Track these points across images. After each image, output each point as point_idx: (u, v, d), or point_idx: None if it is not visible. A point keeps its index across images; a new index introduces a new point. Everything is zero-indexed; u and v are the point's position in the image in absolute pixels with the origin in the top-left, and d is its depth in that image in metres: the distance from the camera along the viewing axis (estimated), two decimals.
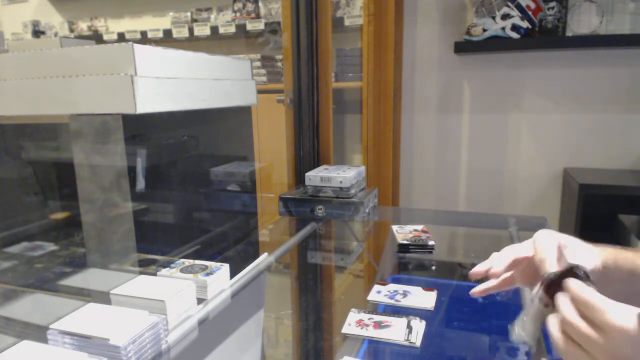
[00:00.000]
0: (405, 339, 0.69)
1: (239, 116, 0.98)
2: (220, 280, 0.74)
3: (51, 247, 0.82)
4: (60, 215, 0.82)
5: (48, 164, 0.80)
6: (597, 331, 0.41)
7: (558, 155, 2.12)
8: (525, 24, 1.93)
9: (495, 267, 0.58)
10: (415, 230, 1.15)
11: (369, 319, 0.75)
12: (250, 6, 2.54)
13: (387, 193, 2.08)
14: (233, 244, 0.97)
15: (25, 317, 0.66)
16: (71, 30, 3.11)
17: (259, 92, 0.99)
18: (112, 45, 0.64)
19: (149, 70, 0.66)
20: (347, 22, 2.28)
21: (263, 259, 0.92)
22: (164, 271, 0.72)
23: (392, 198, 2.19)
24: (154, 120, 0.72)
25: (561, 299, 0.46)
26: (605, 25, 1.91)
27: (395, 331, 0.71)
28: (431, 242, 1.06)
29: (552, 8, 1.92)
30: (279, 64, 2.52)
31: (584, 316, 0.43)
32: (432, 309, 0.79)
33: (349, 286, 1.05)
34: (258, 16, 2.53)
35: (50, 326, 0.56)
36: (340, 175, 1.25)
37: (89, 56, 0.65)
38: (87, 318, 0.58)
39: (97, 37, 2.99)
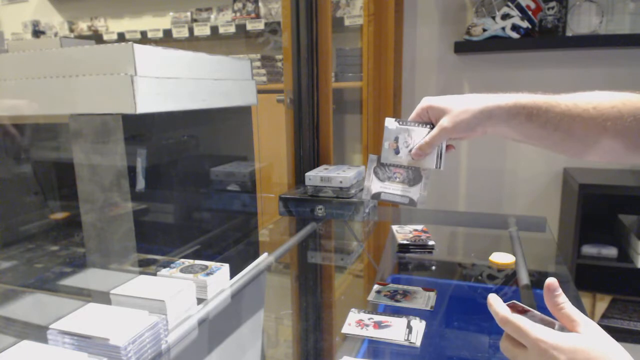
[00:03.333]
0: (405, 339, 0.69)
1: (239, 116, 0.98)
2: (220, 280, 0.74)
3: (51, 247, 0.82)
4: (60, 215, 0.82)
5: (48, 164, 0.80)
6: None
7: (558, 155, 2.12)
8: (525, 24, 1.93)
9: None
10: (415, 230, 1.15)
11: (369, 319, 0.75)
12: (250, 6, 2.54)
13: None
14: (233, 244, 0.97)
15: (25, 317, 0.66)
16: (71, 30, 3.11)
17: (259, 92, 0.99)
18: (112, 45, 0.64)
19: (149, 70, 0.66)
20: (347, 22, 2.28)
21: (263, 259, 0.92)
22: (164, 271, 0.72)
23: None
24: (154, 120, 0.72)
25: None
26: (605, 25, 1.91)
27: (395, 331, 0.71)
28: (431, 242, 1.06)
29: (552, 8, 1.92)
30: (279, 64, 2.52)
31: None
32: (432, 309, 0.79)
33: (349, 286, 1.05)
34: (258, 16, 2.53)
35: (50, 326, 0.56)
36: (340, 175, 1.25)
37: (89, 56, 0.65)
38: (87, 318, 0.58)
39: (97, 37, 2.99)
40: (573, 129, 0.64)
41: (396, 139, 0.77)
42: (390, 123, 0.77)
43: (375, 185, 0.78)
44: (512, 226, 1.20)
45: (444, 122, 0.70)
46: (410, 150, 0.76)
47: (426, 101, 0.74)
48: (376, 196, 0.78)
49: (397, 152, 0.77)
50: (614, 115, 0.62)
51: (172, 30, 2.71)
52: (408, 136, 0.76)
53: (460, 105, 0.69)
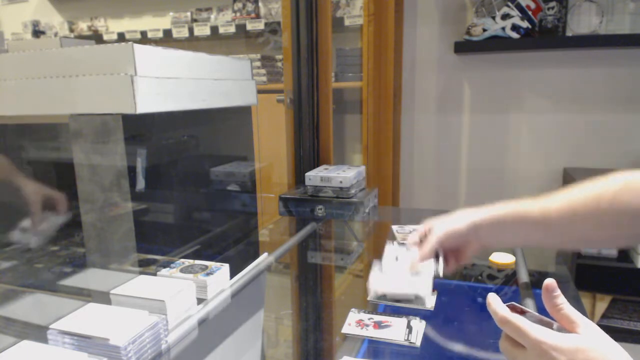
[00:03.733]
0: (405, 339, 0.69)
1: (239, 116, 0.98)
2: (220, 280, 0.74)
3: (51, 247, 0.82)
4: None
5: (48, 164, 0.80)
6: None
7: (558, 155, 2.12)
8: (525, 24, 1.93)
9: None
10: (416, 230, 1.15)
11: (369, 319, 0.75)
12: (250, 6, 2.55)
13: (387, 193, 2.08)
14: (233, 244, 0.97)
15: (25, 317, 0.66)
16: (71, 30, 3.11)
17: (259, 92, 0.99)
18: (112, 45, 0.64)
19: (149, 70, 0.66)
20: (347, 22, 2.28)
21: (263, 259, 0.92)
22: (164, 271, 0.72)
23: (392, 198, 2.19)
24: (154, 120, 0.73)
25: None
26: (605, 25, 1.91)
27: (395, 331, 0.71)
28: None
29: (552, 8, 1.92)
30: (279, 64, 2.52)
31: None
32: (432, 309, 0.79)
33: (349, 286, 1.05)
34: (258, 16, 2.53)
35: (50, 326, 0.56)
36: (340, 175, 1.25)
37: (89, 56, 0.65)
38: (87, 318, 0.58)
39: (97, 37, 2.99)
40: (552, 225, 0.71)
41: (396, 256, 0.85)
42: (390, 244, 0.89)
43: (381, 283, 0.81)
44: None
45: (437, 229, 0.78)
46: (408, 262, 0.81)
47: (425, 228, 0.82)
48: (382, 297, 0.82)
49: (396, 259, 0.84)
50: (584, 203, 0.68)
51: (172, 30, 2.71)
52: (406, 252, 0.83)
53: (452, 218, 0.78)
